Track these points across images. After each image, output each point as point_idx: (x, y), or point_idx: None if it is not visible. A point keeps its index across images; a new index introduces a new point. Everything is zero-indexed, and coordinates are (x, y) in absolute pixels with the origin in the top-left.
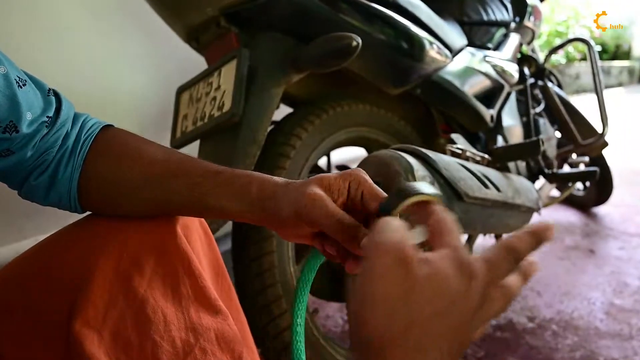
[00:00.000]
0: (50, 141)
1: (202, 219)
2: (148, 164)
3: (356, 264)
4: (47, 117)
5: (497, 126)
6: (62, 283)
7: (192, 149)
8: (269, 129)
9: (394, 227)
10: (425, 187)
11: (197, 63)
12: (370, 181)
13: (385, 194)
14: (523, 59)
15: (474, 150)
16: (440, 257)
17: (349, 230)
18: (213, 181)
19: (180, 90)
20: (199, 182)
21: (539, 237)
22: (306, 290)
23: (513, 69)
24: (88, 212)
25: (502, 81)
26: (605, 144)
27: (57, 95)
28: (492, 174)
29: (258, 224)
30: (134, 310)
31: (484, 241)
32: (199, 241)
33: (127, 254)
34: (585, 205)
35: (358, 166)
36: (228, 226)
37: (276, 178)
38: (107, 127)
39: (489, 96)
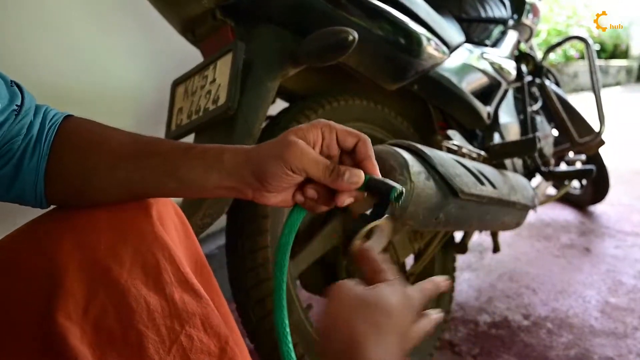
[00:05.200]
0: (15, 130)
1: (178, 208)
2: (117, 146)
3: (338, 200)
4: (16, 105)
5: (494, 123)
6: (34, 277)
7: None
8: (265, 123)
9: (347, 284)
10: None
11: (193, 56)
12: (339, 125)
13: (357, 132)
14: (521, 57)
15: (470, 147)
16: (384, 286)
17: (334, 172)
18: (185, 155)
19: (176, 83)
20: (170, 156)
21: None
22: (287, 250)
23: (511, 67)
24: (52, 207)
25: (499, 78)
26: (602, 143)
27: (18, 86)
28: (488, 170)
29: (235, 197)
30: (115, 301)
31: (480, 238)
32: (174, 230)
33: (103, 245)
34: (581, 203)
35: None
36: (222, 221)
37: (247, 146)
38: (69, 117)
39: (486, 93)
